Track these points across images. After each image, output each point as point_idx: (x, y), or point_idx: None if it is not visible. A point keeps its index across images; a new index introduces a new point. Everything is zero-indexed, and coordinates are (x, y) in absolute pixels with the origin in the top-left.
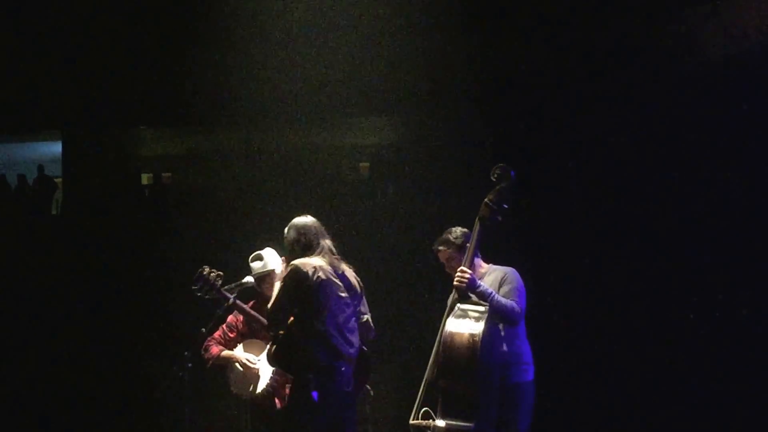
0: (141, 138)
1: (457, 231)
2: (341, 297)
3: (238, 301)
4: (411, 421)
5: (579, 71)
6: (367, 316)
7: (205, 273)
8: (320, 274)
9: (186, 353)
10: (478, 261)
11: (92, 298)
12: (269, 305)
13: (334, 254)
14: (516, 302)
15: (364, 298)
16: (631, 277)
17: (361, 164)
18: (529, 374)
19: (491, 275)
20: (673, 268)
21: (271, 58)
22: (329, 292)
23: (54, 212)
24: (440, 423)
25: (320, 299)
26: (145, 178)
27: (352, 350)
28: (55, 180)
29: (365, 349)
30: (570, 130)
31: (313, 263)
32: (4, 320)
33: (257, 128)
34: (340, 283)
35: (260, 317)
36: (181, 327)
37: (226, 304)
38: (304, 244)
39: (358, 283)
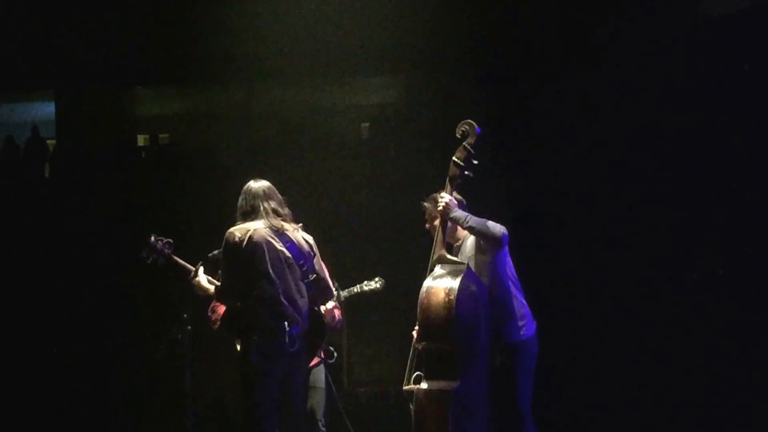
0: (137, 97)
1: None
2: (281, 258)
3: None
4: (404, 387)
5: (579, 30)
6: (317, 275)
7: (152, 241)
8: (254, 236)
9: (185, 315)
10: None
11: (86, 263)
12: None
13: (279, 215)
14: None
15: (317, 257)
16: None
17: (362, 125)
18: (526, 332)
19: (471, 237)
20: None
21: (272, 15)
22: (267, 253)
23: (46, 175)
24: (423, 385)
25: (256, 261)
26: (141, 139)
27: (297, 310)
28: (48, 142)
29: (317, 309)
30: (571, 87)
31: (248, 227)
32: None
33: (258, 88)
34: (279, 245)
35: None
36: (179, 290)
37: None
38: (245, 210)
39: (306, 243)
